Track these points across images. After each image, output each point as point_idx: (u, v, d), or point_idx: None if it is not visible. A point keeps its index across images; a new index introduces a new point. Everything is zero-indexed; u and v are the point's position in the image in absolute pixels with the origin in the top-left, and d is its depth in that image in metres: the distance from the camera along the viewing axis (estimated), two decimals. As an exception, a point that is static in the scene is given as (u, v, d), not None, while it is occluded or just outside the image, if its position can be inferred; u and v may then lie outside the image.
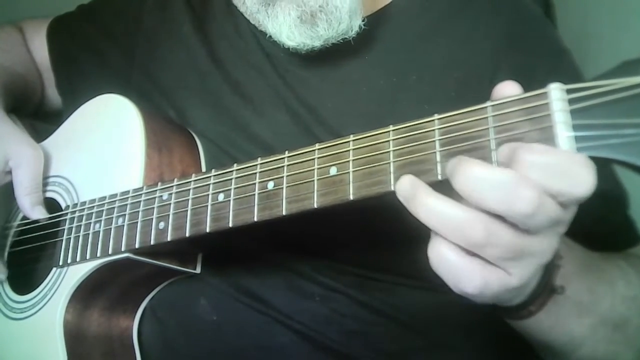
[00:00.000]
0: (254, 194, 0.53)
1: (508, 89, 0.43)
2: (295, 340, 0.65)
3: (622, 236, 0.68)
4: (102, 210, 0.65)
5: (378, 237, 0.64)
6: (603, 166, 0.68)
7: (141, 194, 0.62)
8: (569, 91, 0.40)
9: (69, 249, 0.67)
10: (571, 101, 0.39)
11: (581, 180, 0.38)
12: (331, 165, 0.49)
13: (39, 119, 0.93)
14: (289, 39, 0.67)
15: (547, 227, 0.40)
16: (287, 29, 0.66)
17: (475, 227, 0.39)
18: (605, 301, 0.55)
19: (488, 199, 0.38)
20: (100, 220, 0.65)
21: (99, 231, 0.65)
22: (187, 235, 0.57)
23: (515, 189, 0.38)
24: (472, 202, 0.39)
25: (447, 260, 0.41)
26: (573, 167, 0.38)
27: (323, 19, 0.65)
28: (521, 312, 0.51)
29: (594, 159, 0.39)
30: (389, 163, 0.46)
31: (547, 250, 0.42)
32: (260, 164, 0.54)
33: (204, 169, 0.71)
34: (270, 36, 0.69)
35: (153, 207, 0.61)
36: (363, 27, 0.68)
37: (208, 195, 0.57)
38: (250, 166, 0.55)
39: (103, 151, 0.71)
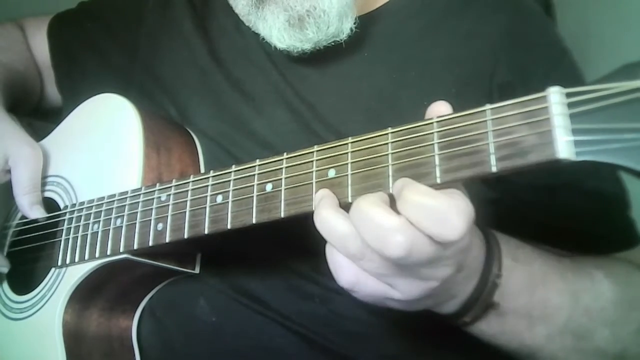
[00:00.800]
0: (252, 196, 0.53)
1: (441, 109, 0.45)
2: (294, 341, 0.65)
3: (620, 236, 0.68)
4: (101, 211, 0.65)
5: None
6: (602, 167, 0.68)
7: (139, 195, 0.62)
8: (568, 95, 0.39)
9: (67, 250, 0.67)
10: (571, 105, 0.39)
11: (452, 227, 0.41)
12: (329, 168, 0.49)
13: (38, 117, 0.93)
14: (279, 41, 0.67)
15: (425, 264, 0.43)
16: (277, 31, 0.66)
17: (353, 242, 0.44)
18: (563, 313, 0.57)
19: (366, 236, 0.43)
20: (99, 221, 0.65)
21: (98, 232, 0.64)
22: (186, 236, 0.57)
23: (388, 233, 0.41)
24: (358, 229, 0.43)
25: (333, 255, 0.46)
26: (447, 213, 0.41)
27: (311, 23, 0.65)
28: (457, 321, 0.54)
29: (595, 163, 0.39)
30: (388, 166, 0.46)
31: (433, 276, 0.45)
32: (259, 165, 0.54)
33: (202, 168, 0.71)
34: (263, 38, 0.69)
35: (151, 208, 0.61)
36: (355, 29, 0.68)
37: (206, 196, 0.57)
38: (249, 167, 0.54)
39: (101, 151, 0.70)
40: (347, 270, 0.46)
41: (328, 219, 0.45)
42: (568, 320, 0.57)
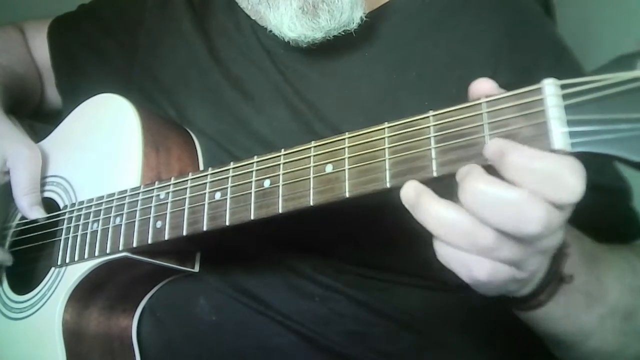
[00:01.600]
0: (251, 192, 0.53)
1: (485, 86, 0.44)
2: (294, 340, 0.65)
3: (626, 229, 0.68)
4: (100, 210, 0.65)
5: (377, 235, 0.64)
6: (603, 163, 0.67)
7: (138, 193, 0.62)
8: (563, 86, 0.40)
9: (67, 249, 0.67)
10: (565, 96, 0.39)
11: (571, 187, 0.38)
12: (327, 163, 0.49)
13: (38, 119, 0.93)
14: (290, 30, 0.66)
15: (553, 232, 0.41)
16: (288, 19, 0.66)
17: (485, 234, 0.40)
18: (614, 292, 0.56)
19: (495, 218, 0.39)
20: (98, 220, 0.65)
21: (97, 230, 0.65)
22: (185, 234, 0.57)
23: (524, 210, 0.38)
24: (479, 217, 0.40)
25: (457, 255, 0.42)
26: (565, 174, 0.38)
27: (325, 10, 0.65)
28: (531, 302, 0.51)
29: (591, 154, 0.39)
30: (384, 160, 0.46)
31: (552, 246, 0.43)
32: (257, 162, 0.54)
33: (201, 167, 0.71)
34: (270, 30, 0.69)
35: (150, 206, 0.61)
36: (364, 18, 0.68)
37: (205, 193, 0.57)
38: (247, 164, 0.55)
39: (101, 151, 0.71)
40: (482, 262, 0.41)
41: (447, 215, 0.40)
42: (618, 299, 0.56)
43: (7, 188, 0.73)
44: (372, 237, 0.65)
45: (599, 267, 0.56)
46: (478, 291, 0.47)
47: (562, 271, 0.50)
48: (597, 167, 0.65)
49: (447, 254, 0.42)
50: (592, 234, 0.58)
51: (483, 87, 0.44)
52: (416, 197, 0.42)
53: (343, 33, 0.68)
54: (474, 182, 0.40)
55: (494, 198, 0.39)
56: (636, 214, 0.69)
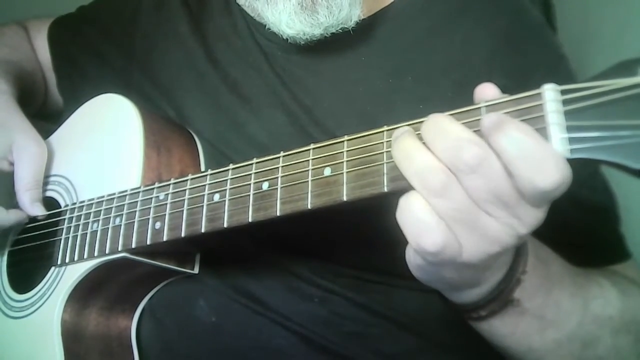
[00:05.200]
0: (249, 195, 0.53)
1: (489, 91, 0.44)
2: (293, 341, 0.65)
3: (608, 251, 0.67)
4: (100, 210, 0.66)
5: (376, 238, 0.64)
6: (594, 177, 0.67)
7: (138, 194, 0.62)
8: (563, 92, 0.39)
9: (67, 249, 0.67)
10: (565, 102, 0.39)
11: (546, 173, 0.38)
12: (325, 166, 0.49)
13: (41, 119, 0.93)
14: (288, 27, 0.66)
15: (494, 203, 0.41)
16: (287, 16, 0.65)
17: (436, 173, 0.41)
18: (573, 318, 0.55)
19: (439, 147, 0.41)
20: (98, 220, 0.65)
21: (97, 231, 0.65)
22: (183, 235, 0.57)
23: (464, 143, 0.40)
24: (426, 142, 0.42)
25: (413, 212, 0.42)
26: (545, 159, 0.38)
27: (324, 5, 0.65)
28: (471, 313, 0.52)
29: (589, 162, 0.39)
30: (383, 164, 0.46)
31: (498, 238, 0.42)
32: (256, 163, 0.54)
33: (203, 169, 0.71)
34: (268, 28, 0.69)
35: (150, 207, 0.61)
36: (362, 17, 0.67)
37: (204, 195, 0.57)
38: (246, 166, 0.55)
39: (102, 151, 0.71)
40: (435, 231, 0.41)
41: (410, 148, 0.42)
42: (578, 326, 0.55)
43: (11, 185, 0.73)
44: (370, 241, 0.64)
45: (563, 292, 0.55)
46: (417, 273, 0.48)
47: (509, 294, 0.50)
48: (588, 181, 0.65)
49: (405, 210, 0.42)
50: (572, 251, 0.57)
51: (487, 92, 0.44)
52: (400, 133, 0.44)
53: (341, 31, 0.67)
54: (439, 116, 0.42)
55: (446, 129, 0.41)
56: (621, 238, 0.68)
